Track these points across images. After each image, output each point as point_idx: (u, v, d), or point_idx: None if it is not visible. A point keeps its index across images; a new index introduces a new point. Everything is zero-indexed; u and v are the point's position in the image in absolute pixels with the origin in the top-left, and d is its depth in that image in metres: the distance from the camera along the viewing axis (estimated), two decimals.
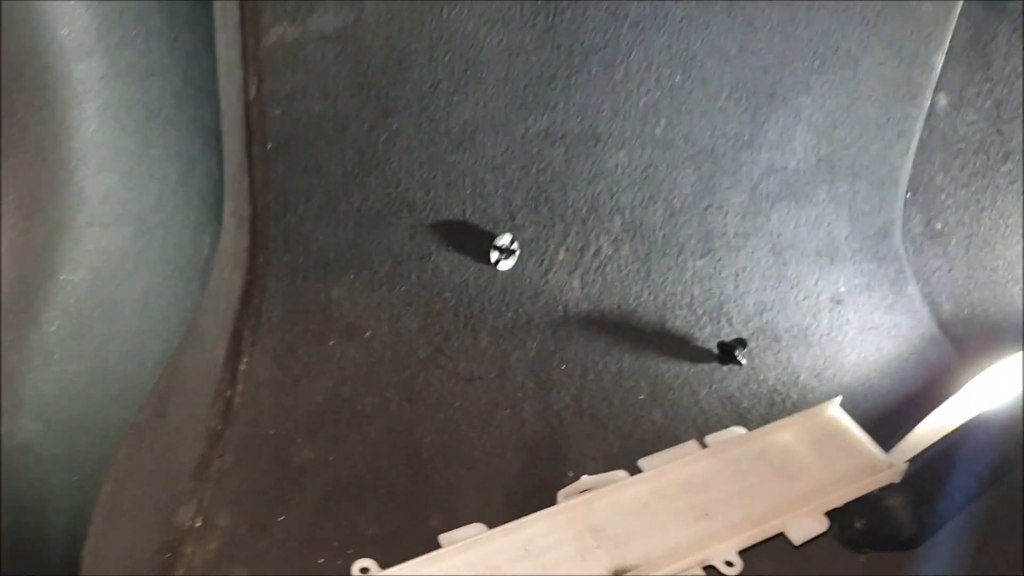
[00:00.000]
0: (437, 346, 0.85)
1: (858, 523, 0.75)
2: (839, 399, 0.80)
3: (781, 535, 0.70)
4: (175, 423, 0.72)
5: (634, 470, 0.74)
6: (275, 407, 0.77)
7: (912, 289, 1.05)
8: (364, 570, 0.62)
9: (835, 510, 0.75)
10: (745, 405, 0.88)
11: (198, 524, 0.68)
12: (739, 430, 0.78)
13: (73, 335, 0.56)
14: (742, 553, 0.68)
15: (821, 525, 0.71)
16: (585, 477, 0.71)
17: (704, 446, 0.75)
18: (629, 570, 0.64)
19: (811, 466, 0.75)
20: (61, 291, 0.55)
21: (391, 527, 0.72)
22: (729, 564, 0.67)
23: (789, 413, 0.88)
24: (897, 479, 0.74)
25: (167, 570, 0.65)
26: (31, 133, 0.55)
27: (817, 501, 0.71)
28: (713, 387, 0.89)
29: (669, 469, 0.72)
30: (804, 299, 1.00)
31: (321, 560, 0.68)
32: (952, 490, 0.75)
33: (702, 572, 0.66)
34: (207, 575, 0.65)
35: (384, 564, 0.69)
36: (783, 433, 0.77)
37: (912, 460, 0.78)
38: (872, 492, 0.75)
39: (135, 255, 0.63)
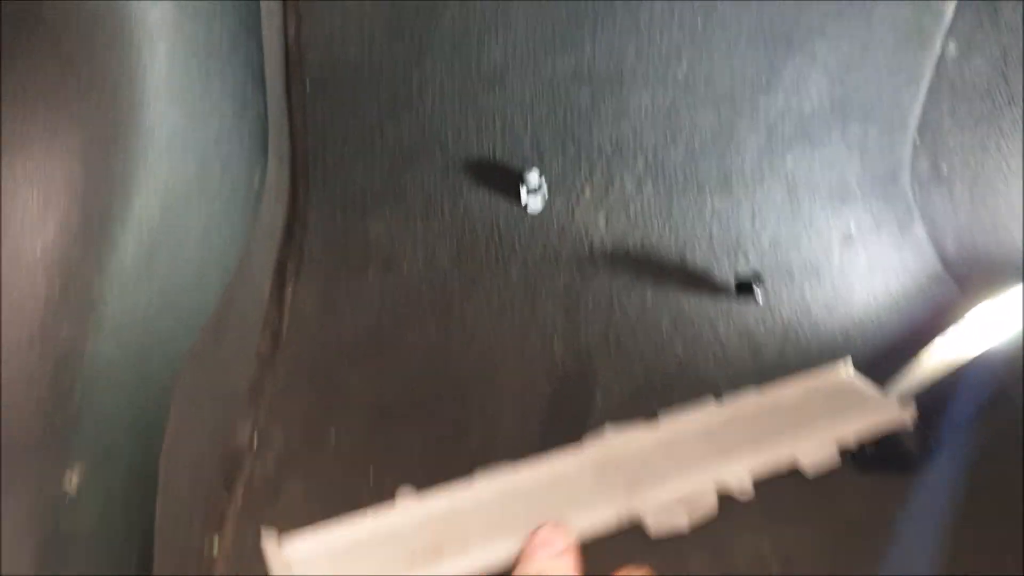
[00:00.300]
0: (471, 279, 0.89)
1: (867, 447, 0.80)
2: (849, 359, 0.85)
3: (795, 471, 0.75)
4: (229, 350, 0.76)
5: (657, 397, 0.79)
6: (320, 336, 0.82)
7: (918, 229, 1.09)
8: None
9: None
10: (761, 338, 0.93)
11: (255, 440, 0.73)
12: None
13: (146, 263, 0.60)
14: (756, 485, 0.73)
15: (834, 459, 0.76)
16: (609, 426, 0.76)
17: (720, 399, 0.81)
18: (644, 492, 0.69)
19: (824, 413, 0.80)
20: (136, 219, 0.58)
21: (433, 446, 0.77)
22: (742, 490, 0.72)
23: (803, 345, 0.93)
24: (909, 422, 0.79)
25: (230, 484, 0.70)
26: (110, 73, 0.58)
27: (831, 439, 0.76)
28: (731, 320, 0.94)
29: (687, 417, 0.77)
30: (817, 237, 1.04)
31: (371, 473, 0.73)
32: (954, 417, 0.81)
33: (715, 495, 0.71)
34: (266, 488, 0.70)
35: (428, 479, 0.74)
36: (795, 388, 0.82)
37: (919, 388, 0.83)
38: None
39: (198, 188, 0.66)
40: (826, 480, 0.81)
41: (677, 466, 0.73)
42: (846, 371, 0.86)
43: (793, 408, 0.81)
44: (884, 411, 0.80)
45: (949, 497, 0.79)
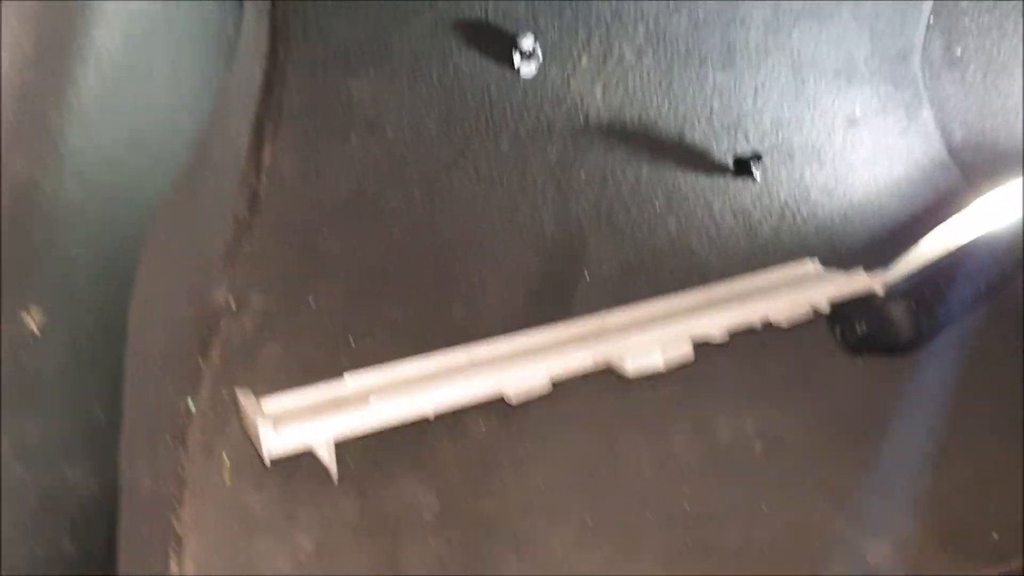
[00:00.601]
0: (459, 148, 0.85)
1: (859, 328, 0.79)
2: (815, 259, 0.85)
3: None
4: (205, 208, 0.73)
5: (647, 274, 0.77)
6: (300, 199, 0.78)
7: (926, 114, 1.05)
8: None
9: (837, 315, 0.79)
10: (757, 218, 0.90)
11: (232, 302, 0.70)
12: None
13: (109, 99, 0.56)
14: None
15: (807, 314, 0.75)
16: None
17: None
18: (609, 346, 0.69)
19: (796, 285, 0.79)
20: (96, 52, 0.54)
21: (416, 314, 0.74)
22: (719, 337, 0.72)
23: (800, 227, 0.91)
24: (880, 288, 0.78)
25: (206, 346, 0.68)
26: None
27: (804, 301, 0.75)
28: (727, 199, 0.90)
29: (660, 301, 0.76)
30: (820, 118, 1.00)
31: (351, 338, 0.71)
32: (951, 301, 0.79)
33: (690, 343, 0.71)
34: (244, 349, 0.68)
35: (410, 347, 0.72)
36: (765, 275, 0.81)
37: (916, 271, 0.81)
38: (875, 299, 0.78)
39: (164, 25, 0.62)
40: (814, 363, 0.80)
41: (654, 320, 0.72)
42: (813, 266, 0.84)
43: (766, 286, 0.80)
44: (854, 281, 0.79)
45: (943, 382, 0.78)
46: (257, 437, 0.59)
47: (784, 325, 0.73)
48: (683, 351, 0.69)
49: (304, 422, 0.60)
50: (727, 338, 0.71)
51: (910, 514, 0.70)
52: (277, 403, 0.63)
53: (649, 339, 0.69)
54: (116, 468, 0.54)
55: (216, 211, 0.74)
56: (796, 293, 0.75)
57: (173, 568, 0.57)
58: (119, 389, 0.56)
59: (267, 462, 0.59)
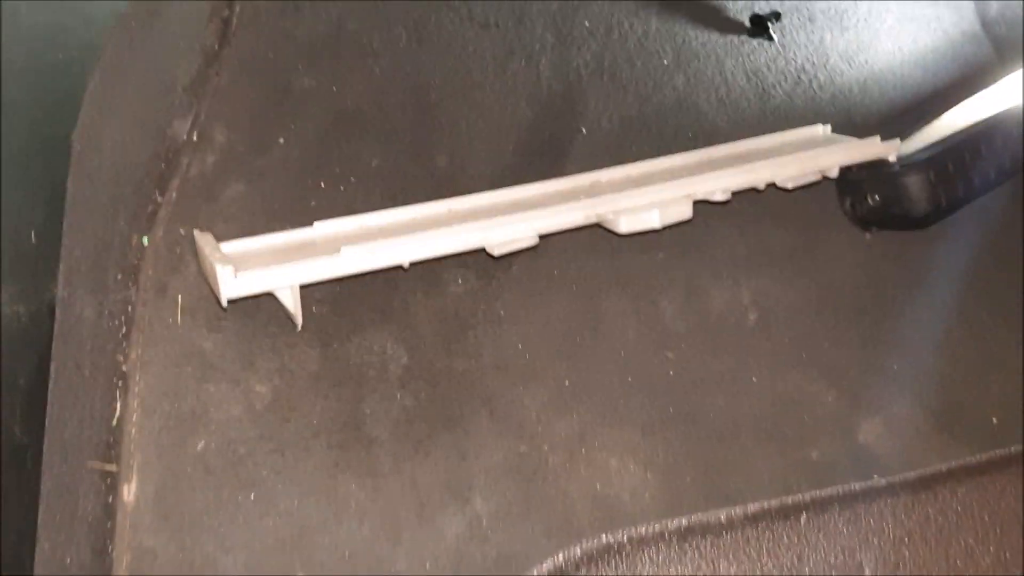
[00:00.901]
0: None
1: (871, 199, 0.74)
2: (827, 125, 0.78)
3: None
4: (169, 33, 0.67)
5: (648, 131, 0.71)
6: (275, 31, 0.72)
7: None
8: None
9: (848, 185, 0.74)
10: (771, 80, 0.84)
11: (194, 137, 0.65)
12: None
13: None
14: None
15: (815, 178, 0.70)
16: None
17: None
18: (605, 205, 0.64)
19: (805, 149, 0.73)
20: None
21: (396, 162, 0.69)
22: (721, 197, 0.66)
23: (815, 93, 0.85)
24: (892, 156, 0.72)
25: (162, 178, 0.63)
26: None
27: (812, 165, 0.69)
28: (740, 59, 0.84)
29: (661, 159, 0.70)
30: None
31: (322, 184, 0.66)
32: (972, 175, 0.73)
33: (689, 199, 0.66)
34: (204, 184, 0.63)
35: (388, 196, 0.67)
36: (773, 138, 0.75)
37: (936, 143, 0.75)
38: (890, 169, 0.73)
39: None
40: (819, 234, 0.75)
41: (652, 178, 0.67)
42: (824, 131, 0.78)
43: (773, 148, 0.74)
44: (867, 147, 0.73)
45: (952, 261, 0.73)
46: (215, 279, 0.54)
47: (789, 187, 0.68)
48: (681, 210, 0.64)
49: (268, 266, 0.55)
50: (728, 197, 0.65)
51: (906, 395, 0.66)
52: (239, 246, 0.58)
53: (646, 197, 0.64)
54: (47, 295, 0.49)
55: (181, 40, 0.68)
56: (804, 156, 0.69)
57: (117, 407, 0.53)
58: (56, 211, 0.51)
59: (224, 304, 0.53)
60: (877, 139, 0.73)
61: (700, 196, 0.65)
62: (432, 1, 0.77)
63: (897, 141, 0.73)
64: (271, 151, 0.67)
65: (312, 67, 0.72)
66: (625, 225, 0.63)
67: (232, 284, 0.53)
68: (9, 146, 0.47)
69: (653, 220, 0.63)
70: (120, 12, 0.59)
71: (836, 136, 0.77)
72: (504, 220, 0.62)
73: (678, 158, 0.71)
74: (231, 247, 0.58)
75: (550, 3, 0.81)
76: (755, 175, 0.67)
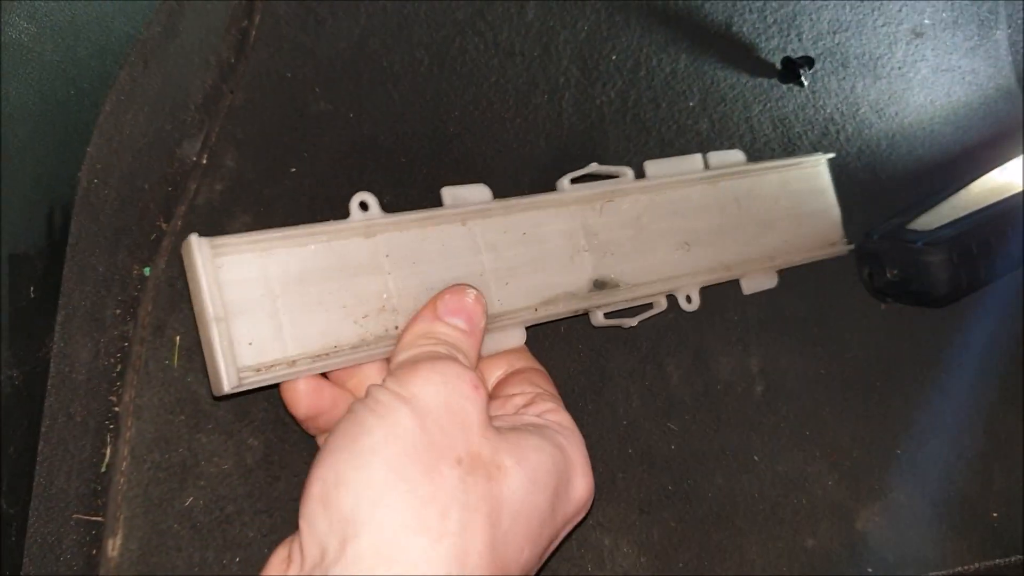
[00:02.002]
0: (478, 9, 0.75)
1: (890, 273, 0.72)
2: (830, 155, 0.76)
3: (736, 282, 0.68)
4: (184, 48, 0.64)
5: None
6: (294, 48, 0.70)
7: (1001, 34, 0.94)
8: (363, 204, 0.58)
9: (867, 255, 0.72)
10: (797, 130, 0.82)
11: (204, 161, 0.63)
12: (738, 154, 0.74)
13: None
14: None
15: (771, 282, 0.69)
16: (594, 164, 0.66)
17: (707, 165, 0.71)
18: (607, 283, 0.62)
19: (784, 220, 0.72)
20: None
21: (408, 197, 0.67)
22: (688, 300, 0.64)
23: (842, 145, 0.83)
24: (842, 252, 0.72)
25: (169, 204, 0.61)
26: None
27: (777, 260, 0.69)
28: (768, 105, 0.82)
29: (668, 184, 0.68)
30: (883, 25, 0.90)
31: (331, 216, 0.64)
32: (996, 257, 0.72)
33: (665, 301, 0.64)
34: (211, 213, 0.61)
35: None
36: (772, 175, 0.73)
37: (960, 220, 0.74)
38: (914, 244, 0.71)
39: None
40: (833, 302, 0.73)
41: (642, 261, 0.65)
42: (822, 168, 0.77)
43: (762, 204, 0.72)
44: (829, 238, 0.72)
45: (966, 342, 0.72)
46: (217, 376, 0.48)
47: (746, 292, 0.67)
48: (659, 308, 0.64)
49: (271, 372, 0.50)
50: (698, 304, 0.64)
51: (908, 481, 0.65)
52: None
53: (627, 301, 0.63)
54: (43, 352, 0.48)
55: (196, 53, 0.66)
56: (774, 258, 0.68)
57: (107, 452, 0.52)
58: (58, 256, 0.50)
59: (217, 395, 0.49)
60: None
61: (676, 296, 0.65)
62: (457, 23, 0.75)
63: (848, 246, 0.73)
64: (282, 180, 0.65)
65: (330, 89, 0.69)
66: (601, 322, 0.62)
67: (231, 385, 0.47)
68: (10, 194, 0.45)
69: (632, 321, 0.63)
70: (136, 37, 0.57)
71: (827, 187, 0.76)
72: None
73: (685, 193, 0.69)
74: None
75: (578, 33, 0.78)
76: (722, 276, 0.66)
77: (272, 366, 0.49)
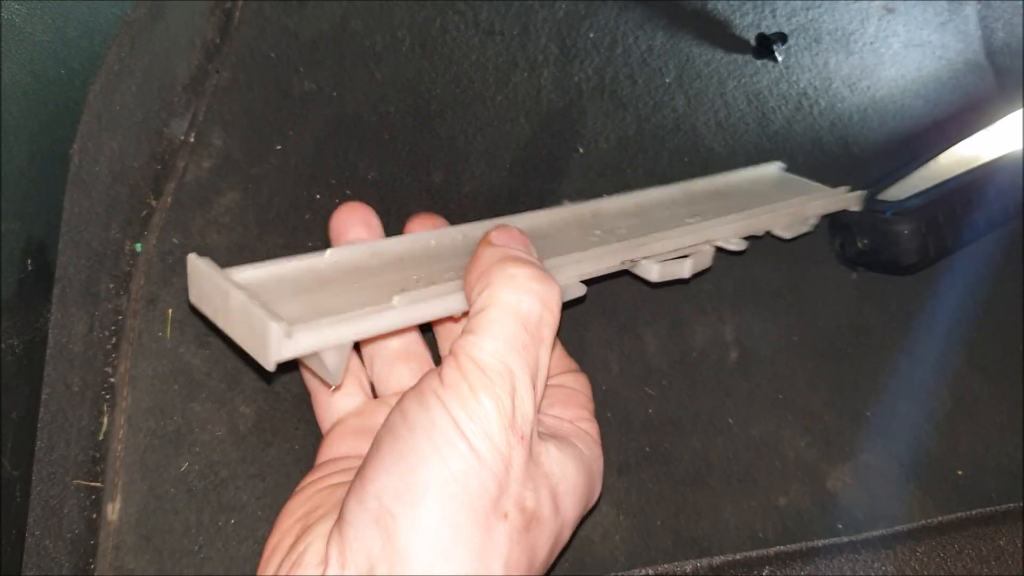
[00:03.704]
0: None
1: (860, 243, 0.74)
2: (781, 164, 0.78)
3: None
4: (170, 29, 0.66)
5: (645, 153, 0.71)
6: (278, 29, 0.71)
7: (970, 9, 0.97)
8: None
9: (838, 226, 0.74)
10: (771, 104, 0.84)
11: (191, 139, 0.64)
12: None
13: None
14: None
15: (807, 227, 0.70)
16: (566, 202, 0.66)
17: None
18: (639, 250, 0.61)
19: (778, 195, 0.72)
20: None
21: (392, 174, 0.69)
22: (735, 244, 0.64)
23: (815, 119, 0.85)
24: (855, 206, 0.73)
25: (158, 182, 0.63)
26: None
27: (795, 211, 0.69)
28: (743, 81, 0.84)
29: (651, 191, 0.69)
30: (855, 2, 0.92)
31: (318, 196, 0.66)
32: (963, 225, 0.74)
33: (712, 248, 0.64)
34: (199, 191, 0.63)
35: (382, 210, 0.67)
36: (741, 175, 0.75)
37: (928, 189, 0.76)
38: (883, 215, 0.73)
39: None
40: (805, 272, 0.75)
41: (664, 229, 0.64)
42: (778, 169, 0.78)
43: (751, 191, 0.73)
44: (840, 200, 0.73)
45: (934, 308, 0.74)
46: (257, 337, 0.45)
47: (787, 236, 0.68)
48: (706, 260, 0.63)
49: (321, 324, 0.46)
50: (744, 247, 0.64)
51: (877, 442, 0.68)
52: (251, 276, 0.51)
53: (677, 241, 0.62)
54: (41, 322, 0.49)
55: (182, 35, 0.67)
56: (796, 205, 0.69)
57: (104, 421, 0.54)
58: (53, 231, 0.51)
59: (272, 368, 0.45)
60: (847, 191, 0.73)
61: (720, 244, 0.64)
62: (438, 2, 0.76)
63: (860, 195, 0.73)
64: (268, 158, 0.66)
65: (313, 69, 0.71)
66: (657, 274, 0.60)
67: (286, 349, 0.44)
68: (7, 170, 0.46)
69: (684, 270, 0.61)
70: (123, 18, 0.58)
71: (792, 177, 0.76)
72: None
73: (676, 191, 0.71)
74: (244, 276, 0.50)
75: (556, 11, 0.80)
76: (759, 223, 0.66)
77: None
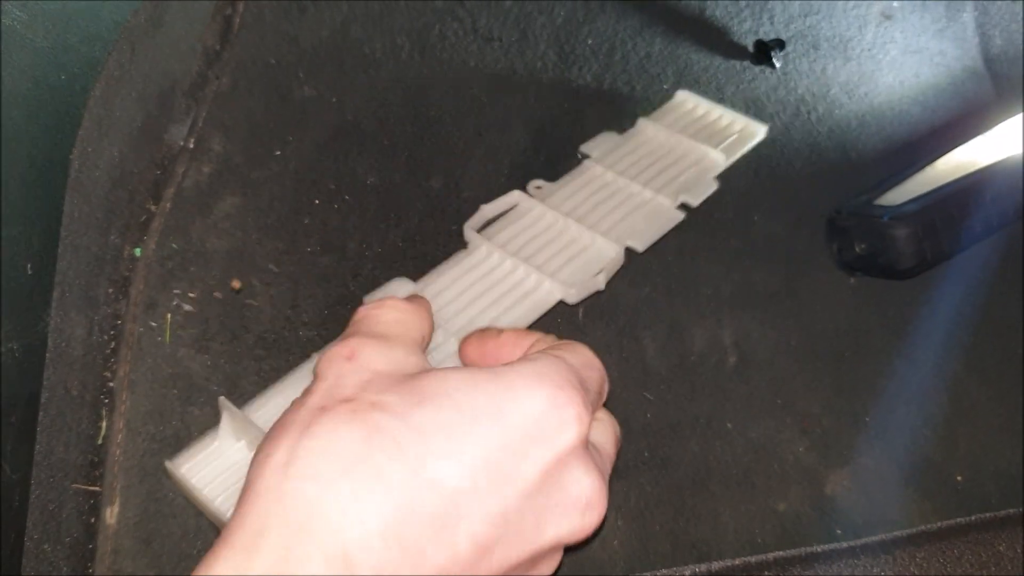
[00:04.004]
0: None
1: (858, 247, 0.75)
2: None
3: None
4: (170, 35, 0.66)
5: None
6: (278, 35, 0.71)
7: (967, 16, 0.97)
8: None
9: (836, 231, 0.75)
10: (769, 111, 0.84)
11: (191, 145, 0.65)
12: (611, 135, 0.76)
13: None
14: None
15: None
16: (484, 207, 0.67)
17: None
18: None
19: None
20: None
21: (391, 180, 0.69)
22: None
23: (813, 125, 0.85)
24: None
25: (158, 187, 0.63)
26: None
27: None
28: (741, 87, 0.84)
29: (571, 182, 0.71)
30: (853, 8, 0.92)
31: (317, 201, 0.66)
32: (960, 231, 0.74)
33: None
34: (198, 196, 0.63)
35: (381, 216, 0.67)
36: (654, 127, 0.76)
37: (926, 194, 0.76)
38: (880, 219, 0.74)
39: None
40: (804, 277, 0.76)
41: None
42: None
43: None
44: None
45: (933, 312, 0.75)
46: None
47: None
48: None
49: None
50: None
51: (876, 447, 0.68)
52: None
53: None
54: (41, 326, 0.50)
55: (182, 41, 0.67)
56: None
57: (103, 425, 0.54)
58: (53, 236, 0.52)
59: None
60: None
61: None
62: (437, 9, 0.77)
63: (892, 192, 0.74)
64: (268, 164, 0.67)
65: (313, 75, 0.71)
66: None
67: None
68: (7, 176, 0.47)
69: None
70: (123, 24, 0.58)
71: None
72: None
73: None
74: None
75: (555, 18, 0.80)
76: None
77: None
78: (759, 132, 0.75)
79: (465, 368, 0.41)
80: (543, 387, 0.39)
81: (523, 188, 0.69)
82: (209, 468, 0.52)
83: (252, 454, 0.45)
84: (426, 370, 0.41)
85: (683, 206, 0.69)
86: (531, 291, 0.62)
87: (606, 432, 0.45)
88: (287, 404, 0.41)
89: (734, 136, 0.75)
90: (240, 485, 0.37)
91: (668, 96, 0.80)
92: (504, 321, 0.60)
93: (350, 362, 0.40)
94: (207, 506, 0.50)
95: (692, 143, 0.73)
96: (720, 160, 0.73)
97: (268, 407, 0.53)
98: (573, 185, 0.70)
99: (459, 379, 0.39)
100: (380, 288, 0.61)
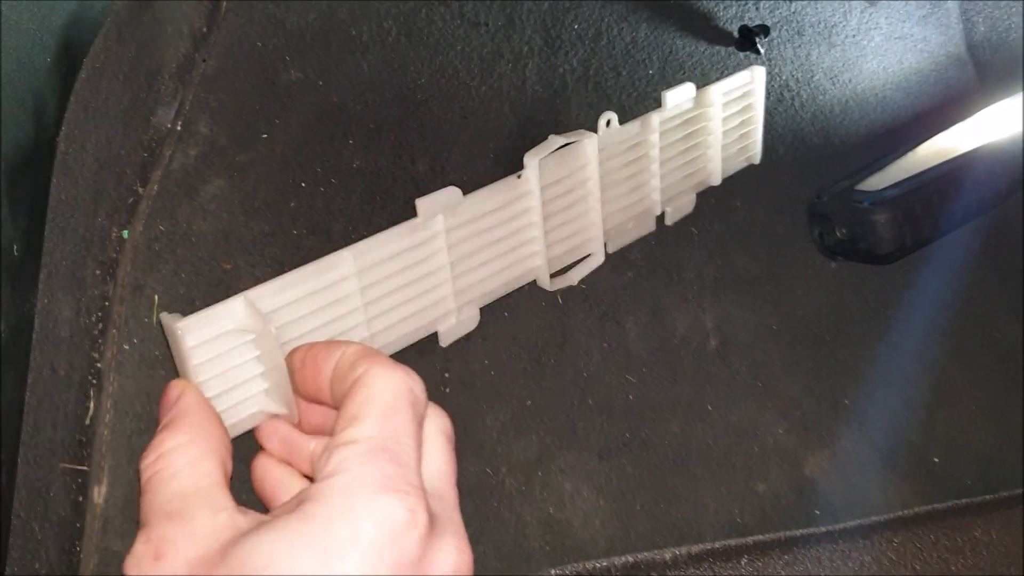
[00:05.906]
0: None
1: (839, 232, 0.75)
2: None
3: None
4: (157, 18, 0.66)
5: None
6: (264, 18, 0.71)
7: (951, 3, 0.98)
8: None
9: (817, 216, 0.75)
10: None
11: (178, 127, 0.65)
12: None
13: None
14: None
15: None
16: (553, 136, 0.68)
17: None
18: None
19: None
20: None
21: (377, 163, 0.70)
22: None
23: (796, 111, 0.86)
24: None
25: (145, 169, 0.63)
26: None
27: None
28: (725, 73, 0.84)
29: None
30: None
31: (303, 184, 0.67)
32: (940, 216, 0.75)
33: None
34: (185, 178, 0.63)
35: (367, 199, 0.68)
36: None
37: (907, 179, 0.77)
38: (861, 204, 0.74)
39: None
40: (785, 261, 0.77)
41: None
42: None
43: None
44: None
45: (912, 296, 0.76)
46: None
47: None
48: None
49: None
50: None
51: (855, 429, 0.69)
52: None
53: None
54: (28, 307, 0.50)
55: (169, 23, 0.67)
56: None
57: (90, 406, 0.54)
58: (39, 221, 0.52)
59: None
60: None
61: None
62: None
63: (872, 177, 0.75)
64: (254, 146, 0.67)
65: (300, 58, 0.72)
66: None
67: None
68: None
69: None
70: (110, 7, 0.58)
71: None
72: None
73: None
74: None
75: (541, 3, 0.81)
76: None
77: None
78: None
79: (278, 524, 0.36)
80: (364, 518, 0.36)
81: (507, 172, 0.70)
82: (206, 332, 0.52)
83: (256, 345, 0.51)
84: (238, 534, 0.37)
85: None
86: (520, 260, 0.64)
87: (438, 458, 0.44)
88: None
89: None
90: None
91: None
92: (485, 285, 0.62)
93: (159, 561, 0.37)
94: (189, 376, 0.51)
95: None
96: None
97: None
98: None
99: (274, 547, 0.35)
100: (434, 193, 0.62)
